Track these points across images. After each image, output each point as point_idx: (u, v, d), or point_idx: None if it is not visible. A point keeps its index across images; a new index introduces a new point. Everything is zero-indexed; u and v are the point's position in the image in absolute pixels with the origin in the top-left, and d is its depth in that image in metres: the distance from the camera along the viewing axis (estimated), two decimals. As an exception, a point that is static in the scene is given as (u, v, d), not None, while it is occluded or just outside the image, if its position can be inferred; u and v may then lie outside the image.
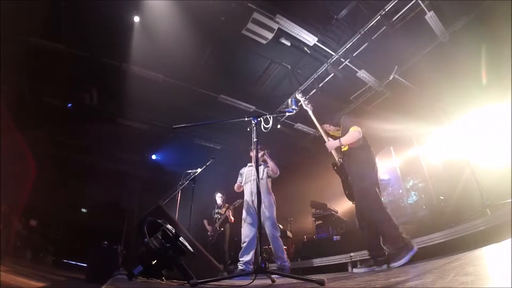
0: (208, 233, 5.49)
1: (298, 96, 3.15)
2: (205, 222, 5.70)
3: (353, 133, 2.78)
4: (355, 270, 2.60)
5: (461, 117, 5.52)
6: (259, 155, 3.85)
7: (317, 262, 4.37)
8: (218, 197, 5.73)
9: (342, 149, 2.90)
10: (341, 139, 2.80)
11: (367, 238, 2.66)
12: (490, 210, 2.98)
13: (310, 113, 3.04)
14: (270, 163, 3.91)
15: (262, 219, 3.60)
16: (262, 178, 3.86)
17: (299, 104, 2.80)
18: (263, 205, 3.67)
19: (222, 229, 5.42)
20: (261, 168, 3.92)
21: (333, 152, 2.91)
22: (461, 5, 4.65)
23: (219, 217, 5.48)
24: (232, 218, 5.44)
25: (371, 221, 2.59)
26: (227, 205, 5.53)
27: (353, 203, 2.85)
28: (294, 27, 4.85)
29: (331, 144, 2.87)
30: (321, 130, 2.99)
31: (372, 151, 2.88)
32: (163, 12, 4.57)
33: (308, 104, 3.04)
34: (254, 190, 3.79)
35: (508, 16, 4.31)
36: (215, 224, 5.46)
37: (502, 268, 1.19)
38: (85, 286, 3.87)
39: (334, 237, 5.10)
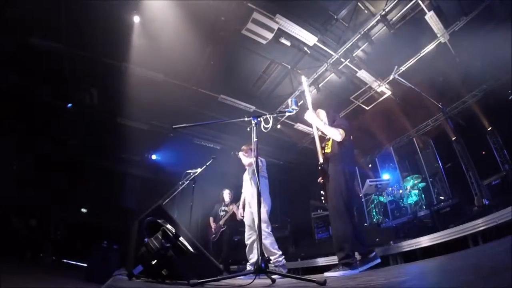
0: (212, 230, 5.41)
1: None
2: (211, 219, 5.58)
3: (336, 132, 2.74)
4: (326, 274, 2.55)
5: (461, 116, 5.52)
6: (242, 156, 3.93)
7: (317, 262, 4.37)
8: (226, 194, 5.57)
9: (325, 150, 2.90)
10: (326, 125, 2.78)
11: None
12: (490, 209, 2.98)
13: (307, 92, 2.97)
14: (242, 158, 3.89)
15: (254, 216, 3.61)
16: (251, 177, 3.89)
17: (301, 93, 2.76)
18: (253, 203, 3.68)
19: (226, 226, 5.33)
20: (250, 168, 3.92)
21: (318, 149, 2.83)
22: (461, 5, 4.65)
23: (225, 214, 5.39)
24: (240, 216, 5.35)
25: (332, 227, 2.72)
26: (233, 203, 5.42)
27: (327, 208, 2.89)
28: (294, 27, 4.84)
29: (312, 115, 2.81)
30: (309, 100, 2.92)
31: (355, 162, 2.89)
32: (163, 12, 4.57)
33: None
34: (247, 192, 3.89)
35: (508, 16, 4.31)
36: (219, 221, 5.38)
37: (502, 267, 1.19)
38: (85, 286, 3.87)
39: (334, 237, 5.09)
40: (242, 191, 4.19)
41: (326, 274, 2.49)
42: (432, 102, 3.83)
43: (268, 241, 3.50)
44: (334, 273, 2.43)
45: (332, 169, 2.76)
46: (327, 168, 2.78)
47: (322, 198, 2.82)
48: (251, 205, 3.79)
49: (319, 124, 2.79)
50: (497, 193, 4.11)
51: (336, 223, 2.61)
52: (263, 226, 3.51)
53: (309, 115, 2.83)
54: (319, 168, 2.79)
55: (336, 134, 2.74)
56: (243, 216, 4.07)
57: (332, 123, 2.93)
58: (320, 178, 2.82)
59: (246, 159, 3.86)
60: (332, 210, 2.67)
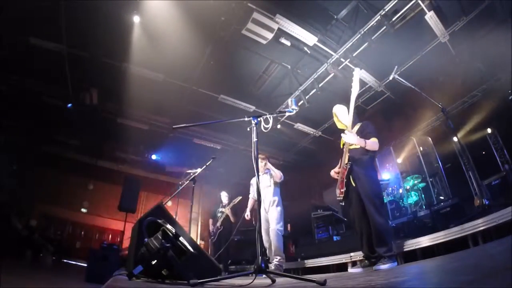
0: (210, 231, 5.48)
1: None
2: (210, 221, 5.68)
3: (376, 143, 2.79)
4: (350, 269, 2.62)
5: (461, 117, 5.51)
6: (261, 164, 4.02)
7: (317, 262, 4.37)
8: (224, 196, 5.69)
9: (352, 147, 2.86)
10: (367, 141, 2.76)
11: (365, 240, 2.76)
12: (490, 209, 2.98)
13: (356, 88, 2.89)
14: (274, 171, 3.99)
15: (270, 220, 3.77)
16: (270, 186, 4.00)
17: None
18: (272, 209, 3.83)
19: (222, 227, 5.39)
20: (267, 176, 4.04)
21: (346, 149, 2.85)
22: (461, 5, 4.65)
23: (221, 215, 5.47)
24: (233, 218, 5.40)
25: (373, 223, 2.63)
26: (229, 205, 5.51)
27: (341, 203, 2.91)
28: (294, 27, 4.84)
29: (353, 137, 2.76)
30: (351, 113, 2.87)
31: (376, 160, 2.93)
32: (163, 12, 4.57)
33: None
34: (265, 198, 3.93)
35: (508, 16, 4.31)
36: (217, 222, 5.45)
37: (502, 267, 1.19)
38: (85, 286, 3.87)
39: (334, 237, 5.09)
40: (250, 196, 4.30)
41: (376, 267, 2.51)
42: (432, 102, 3.82)
43: (280, 242, 3.67)
44: (385, 266, 2.46)
45: (362, 165, 2.78)
46: (355, 164, 2.80)
47: (341, 195, 2.84)
48: (267, 211, 3.88)
49: (361, 143, 2.77)
50: (497, 193, 4.11)
51: (377, 218, 2.59)
52: (278, 227, 3.74)
53: (349, 137, 2.78)
54: (347, 166, 2.80)
55: (375, 146, 2.77)
56: (249, 217, 4.26)
57: (356, 125, 2.96)
58: (343, 174, 2.82)
59: (277, 172, 3.96)
60: (371, 207, 2.64)
